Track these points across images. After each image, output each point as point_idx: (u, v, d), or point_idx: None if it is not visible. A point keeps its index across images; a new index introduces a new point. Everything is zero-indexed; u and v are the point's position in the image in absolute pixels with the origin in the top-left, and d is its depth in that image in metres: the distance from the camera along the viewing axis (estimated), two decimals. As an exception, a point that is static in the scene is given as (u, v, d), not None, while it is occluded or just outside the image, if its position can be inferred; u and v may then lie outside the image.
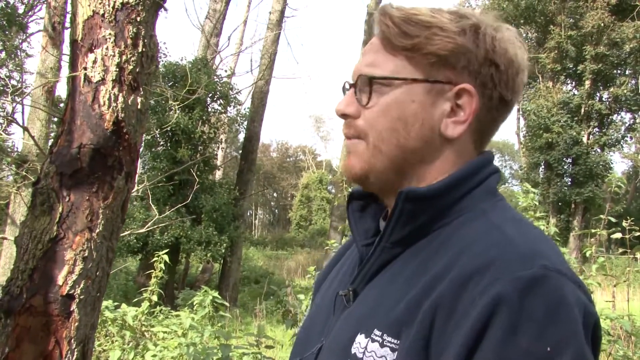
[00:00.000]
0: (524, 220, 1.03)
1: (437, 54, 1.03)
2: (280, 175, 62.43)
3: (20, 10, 22.42)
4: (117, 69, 1.90)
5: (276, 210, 68.94)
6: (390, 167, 1.06)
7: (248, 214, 52.06)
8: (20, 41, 23.38)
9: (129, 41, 1.92)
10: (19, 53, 23.85)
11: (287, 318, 4.60)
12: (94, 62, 1.88)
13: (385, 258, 1.05)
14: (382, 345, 0.94)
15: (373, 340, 0.95)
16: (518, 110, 37.77)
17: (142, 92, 1.96)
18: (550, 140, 29.40)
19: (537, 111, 30.18)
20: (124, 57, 1.91)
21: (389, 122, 1.05)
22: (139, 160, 15.29)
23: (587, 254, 3.52)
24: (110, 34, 1.89)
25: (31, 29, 23.25)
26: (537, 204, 4.20)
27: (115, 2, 1.89)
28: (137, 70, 1.94)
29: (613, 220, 4.15)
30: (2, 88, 22.52)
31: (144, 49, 1.95)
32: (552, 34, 30.34)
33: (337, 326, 1.08)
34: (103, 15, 1.89)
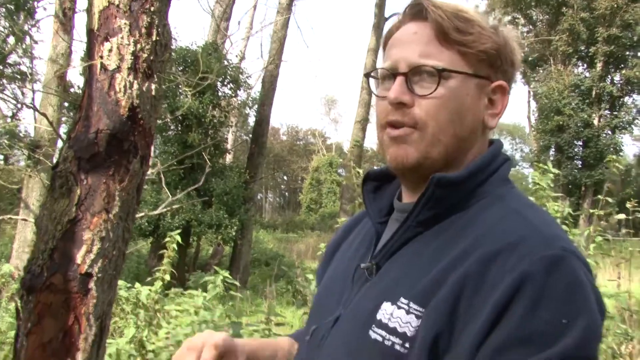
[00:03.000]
0: (537, 206, 1.14)
1: (486, 52, 1.13)
2: (290, 158, 62.38)
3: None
4: (132, 57, 1.98)
5: (286, 193, 69.00)
6: (445, 155, 1.13)
7: (258, 197, 52.19)
8: (29, 27, 23.45)
9: (143, 30, 2.00)
10: (27, 39, 23.95)
11: (297, 298, 4.70)
12: (110, 50, 1.96)
13: (408, 236, 1.14)
14: (407, 312, 1.02)
15: (399, 308, 1.03)
16: (529, 92, 37.66)
17: (156, 79, 2.05)
18: (561, 123, 29.29)
19: (549, 94, 30.05)
20: (138, 46, 1.99)
21: (449, 113, 1.11)
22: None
23: (586, 234, 3.60)
24: (125, 23, 1.97)
25: (39, 15, 23.31)
26: (551, 185, 4.24)
27: (129, -8, 1.97)
28: (151, 58, 2.02)
29: (611, 201, 4.21)
30: (12, 74, 22.64)
31: (157, 38, 2.03)
32: (564, 16, 30.09)
33: (359, 296, 1.16)
34: (118, 5, 1.97)
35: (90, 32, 2.02)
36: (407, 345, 1.00)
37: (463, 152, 1.15)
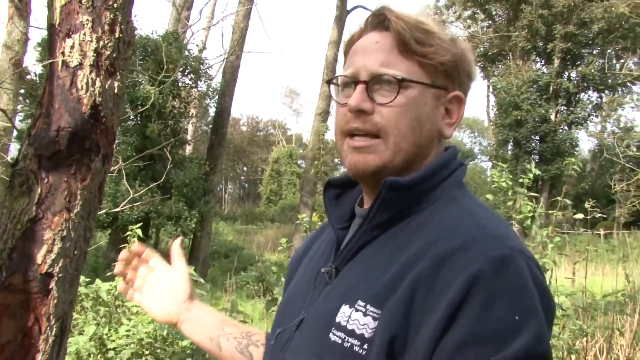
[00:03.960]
0: (488, 208, 1.17)
1: (444, 64, 1.15)
2: (250, 149, 62.25)
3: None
4: (95, 54, 1.94)
5: (246, 185, 68.87)
6: (405, 162, 1.16)
7: (218, 188, 51.92)
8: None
9: (106, 27, 1.96)
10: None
11: (269, 297, 4.68)
12: (72, 47, 1.92)
13: (365, 239, 1.16)
14: (365, 315, 1.05)
15: (357, 310, 1.06)
16: (488, 87, 38.10)
17: (118, 77, 2.01)
18: (519, 117, 29.78)
19: (507, 89, 30.52)
20: (101, 43, 1.95)
21: (409, 121, 1.14)
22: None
23: (544, 234, 3.69)
24: (87, 19, 1.93)
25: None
26: (519, 181, 4.30)
27: (92, -12, 1.94)
28: (114, 55, 1.99)
29: (569, 202, 4.30)
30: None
31: (120, 35, 2.00)
32: (523, 13, 30.52)
33: (320, 299, 1.19)
34: (80, 1, 1.93)
35: (51, 27, 1.97)
36: (365, 346, 1.03)
37: (420, 159, 1.18)
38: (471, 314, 0.93)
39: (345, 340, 1.05)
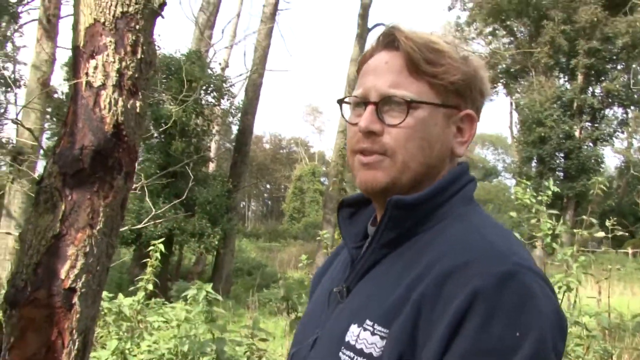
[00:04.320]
0: (499, 224, 1.16)
1: (454, 83, 1.16)
2: (273, 167, 62.32)
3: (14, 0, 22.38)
4: (117, 75, 2.00)
5: (269, 202, 68.92)
6: (413, 181, 1.17)
7: (241, 205, 52.00)
8: (12, 31, 23.36)
9: (129, 48, 2.02)
10: (9, 44, 23.82)
11: (293, 315, 4.69)
12: (95, 68, 1.99)
13: (375, 258, 1.17)
14: (372, 334, 1.05)
15: (365, 330, 1.07)
16: (511, 104, 37.95)
17: (140, 97, 2.07)
18: (543, 134, 29.51)
19: (530, 105, 30.30)
20: (123, 64, 2.01)
21: (418, 141, 1.15)
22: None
23: (569, 253, 3.65)
24: (110, 41, 1.99)
25: (24, 19, 23.20)
26: (534, 199, 4.26)
27: (115, 11, 1.99)
28: (136, 75, 2.04)
29: (595, 220, 4.25)
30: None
31: (142, 56, 2.06)
32: (545, 29, 30.37)
33: (332, 318, 1.20)
34: (104, 23, 2.00)
35: (75, 48, 2.04)
36: None
37: (431, 177, 1.18)
38: (471, 330, 0.93)
39: (354, 359, 1.06)
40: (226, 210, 16.80)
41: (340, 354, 1.09)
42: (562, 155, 30.66)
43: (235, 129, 20.61)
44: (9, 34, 22.99)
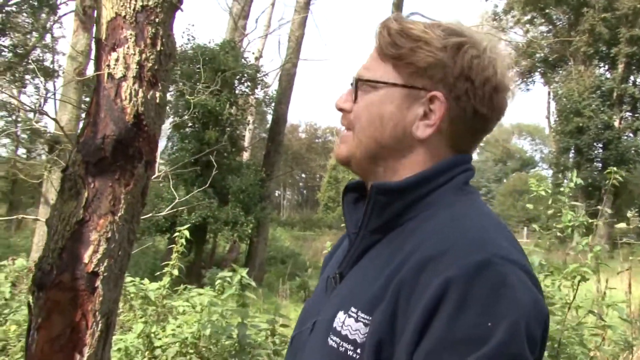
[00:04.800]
0: (485, 213, 1.15)
1: (416, 64, 1.17)
2: (308, 156, 62.35)
3: (53, -8, 22.76)
4: (138, 67, 2.07)
5: (304, 191, 69.01)
6: (367, 156, 1.21)
7: (276, 194, 52.21)
8: (52, 23, 23.77)
9: (148, 41, 2.09)
10: (49, 35, 24.26)
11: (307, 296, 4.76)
12: (117, 60, 2.06)
13: (366, 244, 1.19)
14: (356, 321, 1.07)
15: (350, 317, 1.09)
16: (549, 94, 37.39)
17: (160, 88, 2.13)
18: (581, 124, 29.03)
19: (568, 95, 29.79)
20: (143, 56, 2.08)
21: (370, 116, 1.20)
22: (169, 141, 15.42)
23: (584, 243, 3.62)
24: (131, 34, 2.06)
25: (62, 11, 23.60)
26: (562, 190, 4.22)
27: (135, 4, 2.06)
28: (156, 67, 2.11)
29: (632, 212, 4.19)
30: (36, 68, 22.92)
31: (162, 48, 2.12)
32: (585, 16, 29.81)
33: (327, 304, 1.22)
34: (125, 17, 2.06)
35: (98, 41, 2.11)
36: (358, 351, 1.05)
37: (394, 159, 1.20)
38: (443, 319, 0.93)
39: (340, 345, 1.08)
40: (259, 199, 16.93)
41: (329, 339, 1.11)
42: (600, 145, 30.15)
43: (269, 118, 20.70)
44: (48, 25, 23.38)
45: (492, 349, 0.90)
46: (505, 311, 0.93)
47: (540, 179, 4.25)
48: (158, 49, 2.11)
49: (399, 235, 1.14)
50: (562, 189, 4.08)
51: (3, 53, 23.29)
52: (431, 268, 0.99)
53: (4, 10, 22.76)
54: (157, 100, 2.13)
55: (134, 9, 2.07)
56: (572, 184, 4.08)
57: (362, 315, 1.07)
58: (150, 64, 2.09)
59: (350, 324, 1.08)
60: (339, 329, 1.10)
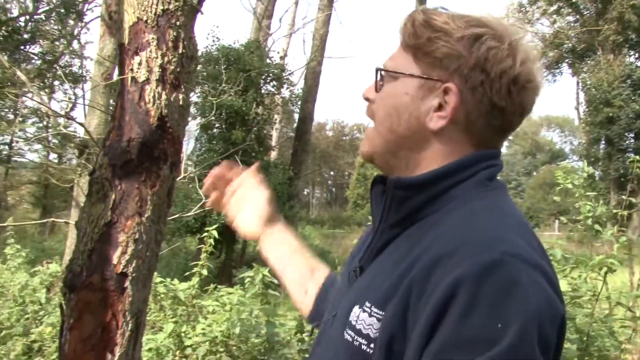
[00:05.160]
0: (506, 208, 1.13)
1: (433, 55, 1.16)
2: (336, 153, 62.37)
3: (80, -1, 23.10)
4: (160, 70, 2.10)
5: (333, 189, 69.06)
6: (386, 148, 1.22)
7: (305, 193, 52.28)
8: (79, 29, 24.12)
9: (170, 44, 2.11)
10: (76, 41, 24.61)
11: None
12: (140, 64, 2.09)
13: (386, 238, 1.19)
14: (370, 315, 1.08)
15: (364, 311, 1.09)
16: (577, 84, 36.94)
17: (183, 90, 2.16)
18: (611, 114, 28.60)
19: (597, 85, 29.37)
20: (165, 59, 2.10)
21: (386, 108, 1.21)
22: (197, 142, 15.52)
23: (609, 234, 3.57)
24: (153, 38, 2.09)
25: (89, 17, 23.96)
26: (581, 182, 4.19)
27: (156, 9, 2.09)
28: (178, 70, 2.14)
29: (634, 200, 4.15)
30: (64, 75, 23.25)
31: (183, 50, 2.15)
32: (613, 4, 29.35)
33: (346, 297, 1.23)
34: (146, 21, 2.09)
35: (121, 46, 2.15)
36: (372, 345, 1.06)
37: (411, 151, 1.20)
38: (453, 319, 0.92)
39: (355, 339, 1.09)
40: (288, 197, 16.99)
41: (345, 333, 1.12)
42: (632, 135, 29.68)
43: (296, 117, 20.75)
44: (75, 32, 23.72)
45: (502, 351, 0.89)
46: (515, 312, 0.91)
47: (568, 171, 4.20)
48: (180, 51, 2.14)
49: (418, 229, 1.14)
50: (582, 181, 4.03)
51: (33, 60, 23.68)
52: (442, 266, 0.98)
53: (33, 19, 23.14)
54: (180, 102, 2.16)
55: (155, 13, 2.10)
56: (584, 174, 4.04)
57: (375, 310, 1.07)
58: (173, 67, 2.12)
59: (364, 319, 1.09)
60: (354, 323, 1.11)
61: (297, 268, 1.68)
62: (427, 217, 1.14)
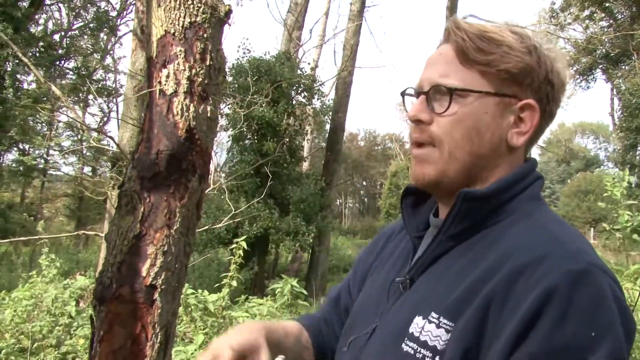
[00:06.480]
0: (565, 222, 1.14)
1: (509, 71, 1.14)
2: (368, 164, 62.30)
3: (113, 14, 23.51)
4: (188, 82, 2.10)
5: (365, 199, 68.97)
6: (462, 172, 1.17)
7: (337, 203, 52.23)
8: (112, 44, 24.54)
9: (198, 56, 2.12)
10: (109, 55, 25.03)
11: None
12: (167, 76, 2.10)
13: (440, 251, 1.17)
14: (438, 327, 1.06)
15: (430, 322, 1.07)
16: (612, 90, 36.40)
17: (211, 102, 2.17)
18: (647, 120, 28.12)
19: (633, 90, 28.90)
20: (193, 71, 2.11)
21: (465, 130, 1.15)
22: (228, 154, 15.62)
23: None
24: (180, 50, 2.10)
25: (122, 31, 24.40)
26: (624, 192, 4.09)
27: (184, 22, 2.10)
28: (206, 82, 2.14)
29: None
30: (99, 89, 23.65)
31: (211, 62, 2.16)
32: (647, 8, 28.89)
33: (394, 309, 1.21)
34: (174, 34, 2.11)
35: (149, 59, 2.16)
36: (437, 358, 1.04)
37: (486, 169, 1.17)
38: (546, 328, 0.92)
39: (418, 351, 1.06)
40: (320, 208, 16.99)
41: (403, 345, 1.09)
42: (669, 141, 29.16)
43: (328, 127, 20.79)
44: (109, 46, 24.13)
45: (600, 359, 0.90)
46: (607, 323, 0.93)
47: (614, 179, 4.09)
48: (207, 63, 2.14)
49: (478, 241, 1.13)
50: (616, 190, 3.93)
51: (68, 75, 24.13)
52: (527, 277, 0.98)
53: (68, 35, 23.59)
54: (209, 114, 2.16)
55: (182, 26, 2.11)
56: (625, 183, 3.94)
57: (444, 321, 1.06)
58: (201, 79, 2.13)
59: (431, 330, 1.07)
60: (416, 334, 1.09)
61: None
62: (486, 228, 1.14)
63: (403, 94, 1.30)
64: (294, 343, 1.46)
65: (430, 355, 1.05)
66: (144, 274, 2.10)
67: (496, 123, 1.16)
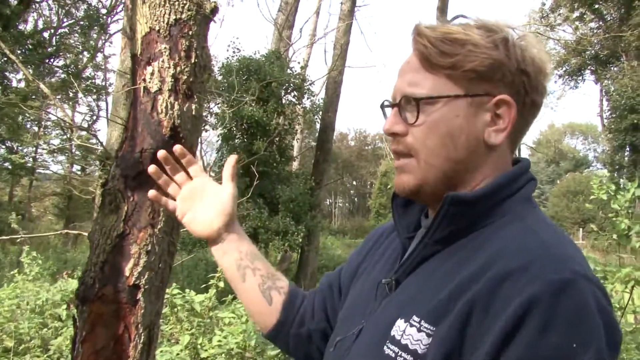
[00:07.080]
0: (555, 226, 1.12)
1: (475, 70, 1.11)
2: (358, 163, 62.34)
3: (103, 11, 23.44)
4: (173, 80, 2.08)
5: (355, 199, 69.00)
6: (442, 178, 1.15)
7: (327, 202, 52.26)
8: (102, 42, 24.45)
9: (183, 54, 2.10)
10: (99, 54, 24.95)
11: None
12: (152, 74, 2.07)
13: (427, 253, 1.15)
14: (419, 330, 1.04)
15: (411, 325, 1.05)
16: (601, 91, 36.58)
17: (196, 100, 2.15)
18: (636, 121, 28.31)
19: (622, 92, 29.10)
20: (178, 69, 2.09)
21: (438, 137, 1.13)
22: (217, 154, 15.56)
23: (638, 246, 3.47)
24: (165, 47, 2.08)
25: (112, 30, 24.31)
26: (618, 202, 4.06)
27: (169, 18, 2.08)
28: (191, 79, 2.12)
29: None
30: (87, 87, 23.56)
31: (196, 60, 2.13)
32: (636, 10, 29.08)
33: (379, 311, 1.19)
34: (159, 31, 2.08)
35: (134, 56, 2.14)
36: None
37: (468, 171, 1.15)
38: (527, 337, 0.91)
39: (399, 354, 1.05)
40: (309, 207, 16.94)
41: (385, 347, 1.08)
42: (657, 142, 29.33)
43: (318, 127, 20.76)
44: (99, 45, 24.05)
45: None
46: (590, 334, 0.92)
47: (602, 181, 4.05)
48: (192, 61, 2.12)
49: (465, 245, 1.11)
50: (619, 195, 3.89)
51: (57, 73, 24.02)
52: (511, 284, 0.96)
53: (57, 33, 23.48)
54: (193, 112, 2.14)
55: (167, 23, 2.08)
56: (629, 195, 3.88)
57: (426, 325, 1.04)
58: (185, 77, 2.11)
59: (412, 334, 1.05)
60: (398, 337, 1.07)
61: (259, 274, 1.54)
62: (474, 232, 1.12)
63: (382, 106, 1.28)
64: (267, 270, 1.58)
65: (410, 359, 1.03)
66: (127, 273, 2.08)
67: (470, 124, 1.13)
